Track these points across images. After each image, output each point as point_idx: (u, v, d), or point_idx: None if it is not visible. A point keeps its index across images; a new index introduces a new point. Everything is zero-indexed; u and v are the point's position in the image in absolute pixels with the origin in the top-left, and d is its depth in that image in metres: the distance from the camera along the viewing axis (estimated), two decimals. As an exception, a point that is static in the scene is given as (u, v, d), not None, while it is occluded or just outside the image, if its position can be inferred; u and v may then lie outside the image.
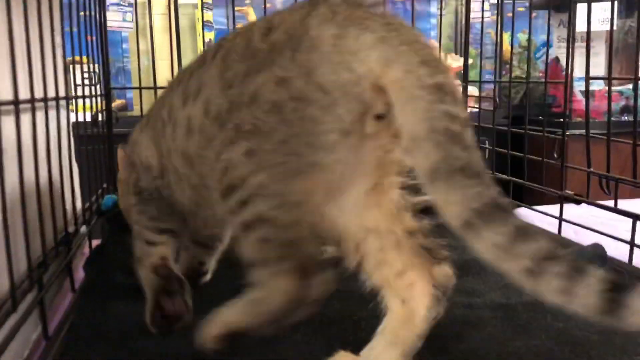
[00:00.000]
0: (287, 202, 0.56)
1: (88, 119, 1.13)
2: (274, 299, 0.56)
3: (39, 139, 0.72)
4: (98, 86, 1.20)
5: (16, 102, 0.63)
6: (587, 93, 1.00)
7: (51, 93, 0.79)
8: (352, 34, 0.54)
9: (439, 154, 0.49)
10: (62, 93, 0.85)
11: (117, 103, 2.45)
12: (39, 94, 0.73)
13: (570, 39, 1.07)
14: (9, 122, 0.63)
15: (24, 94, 0.67)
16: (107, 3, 2.45)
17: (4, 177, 0.60)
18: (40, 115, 0.74)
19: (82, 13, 1.07)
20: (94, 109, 1.14)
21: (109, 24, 2.46)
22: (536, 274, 0.47)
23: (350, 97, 0.54)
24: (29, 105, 0.69)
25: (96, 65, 1.20)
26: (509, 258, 0.47)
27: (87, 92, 1.10)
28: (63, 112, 0.88)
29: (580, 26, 1.93)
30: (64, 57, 0.93)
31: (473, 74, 2.39)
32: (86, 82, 1.11)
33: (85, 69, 1.11)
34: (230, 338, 0.58)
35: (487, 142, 1.43)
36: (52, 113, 0.81)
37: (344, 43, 0.54)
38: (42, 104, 0.75)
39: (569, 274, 0.46)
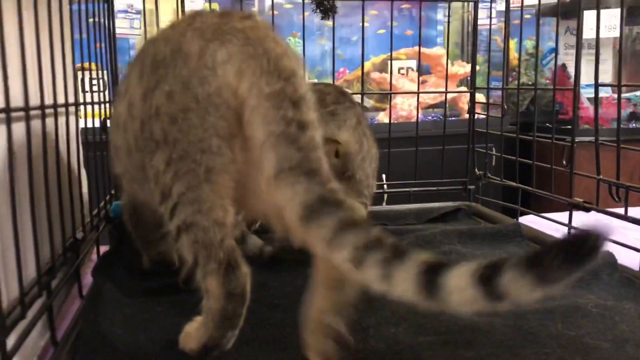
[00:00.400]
0: (203, 209, 0.62)
1: (97, 125, 1.13)
2: (212, 302, 0.63)
3: (48, 145, 0.72)
4: (106, 92, 1.21)
5: (27, 108, 0.64)
6: (596, 100, 0.99)
7: (60, 100, 0.80)
8: (210, 50, 0.60)
9: (274, 156, 0.55)
10: (71, 99, 0.86)
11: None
12: (48, 100, 0.74)
13: (578, 46, 1.07)
14: (19, 128, 0.64)
15: (34, 101, 0.67)
16: (115, 10, 2.47)
17: (14, 183, 0.60)
18: (49, 122, 0.74)
19: (90, 20, 1.07)
20: (103, 116, 1.14)
21: (116, 31, 2.49)
22: (359, 263, 0.49)
23: (216, 106, 0.60)
24: (39, 112, 0.70)
25: (104, 72, 1.20)
26: (333, 250, 0.50)
27: (95, 99, 1.10)
28: (72, 119, 0.88)
29: (587, 33, 1.93)
30: (74, 63, 0.93)
31: (480, 81, 2.38)
32: (94, 88, 1.12)
33: (94, 75, 1.11)
34: (206, 349, 0.64)
35: (493, 149, 1.43)
36: (61, 120, 0.81)
37: (204, 59, 0.60)
38: (51, 110, 0.75)
39: (388, 260, 0.47)
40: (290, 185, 0.53)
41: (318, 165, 0.55)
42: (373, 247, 0.49)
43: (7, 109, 0.58)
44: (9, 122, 0.58)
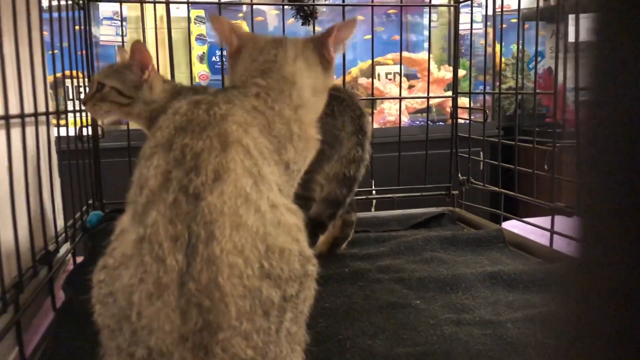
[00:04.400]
0: None
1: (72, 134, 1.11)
2: None
3: (15, 154, 0.70)
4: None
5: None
6: (577, 104, 0.98)
7: (28, 109, 0.78)
8: None
9: None
10: (42, 109, 0.84)
11: (109, 117, 2.44)
12: (14, 110, 0.72)
13: (562, 49, 1.06)
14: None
15: (-3, 110, 0.66)
16: (100, 17, 2.45)
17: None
18: (16, 131, 0.72)
19: (77, 27, 1.06)
20: (79, 124, 1.12)
21: (102, 38, 2.46)
22: None
23: None
24: (2, 122, 0.68)
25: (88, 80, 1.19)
26: None
27: (76, 107, 1.09)
28: (44, 128, 0.86)
29: (572, 37, 1.93)
30: (45, 72, 0.92)
31: (465, 86, 2.38)
32: (79, 95, 1.10)
33: (77, 83, 1.10)
34: None
35: (481, 153, 1.42)
36: (31, 129, 0.79)
37: None
38: (18, 120, 0.73)
39: None
40: None
41: None
42: None
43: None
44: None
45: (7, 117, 0.68)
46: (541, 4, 1.13)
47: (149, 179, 0.52)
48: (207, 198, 0.50)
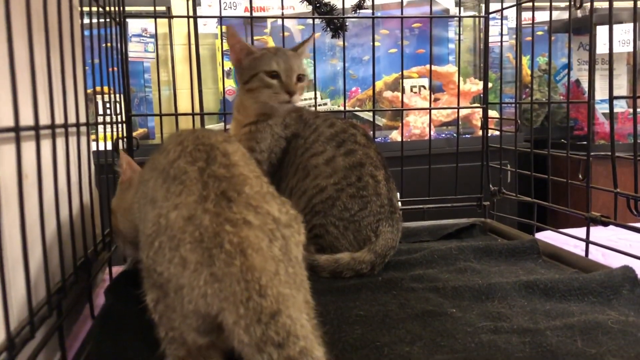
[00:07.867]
0: None
1: (109, 148, 1.13)
2: None
3: (59, 164, 0.72)
4: (120, 115, 1.22)
5: (37, 127, 0.64)
6: (611, 111, 0.98)
7: (71, 120, 0.80)
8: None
9: None
10: (82, 120, 0.86)
11: (139, 132, 2.49)
12: (59, 120, 0.74)
13: (592, 60, 1.06)
14: (29, 147, 0.64)
15: (44, 120, 0.67)
16: (129, 34, 2.51)
17: (23, 202, 0.60)
18: (60, 141, 0.74)
19: (104, 45, 1.08)
20: (115, 137, 1.15)
21: (131, 54, 2.52)
22: None
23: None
24: (49, 131, 0.70)
25: (118, 95, 1.21)
26: None
27: (108, 120, 1.11)
28: (84, 139, 0.88)
29: (600, 48, 1.92)
30: (85, 85, 0.94)
31: (493, 97, 2.38)
32: (108, 111, 1.13)
33: (107, 98, 1.12)
34: None
35: (508, 165, 1.42)
36: (72, 139, 0.81)
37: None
38: (62, 130, 0.75)
39: None
40: None
41: None
42: None
43: (17, 128, 0.58)
44: (18, 141, 0.58)
45: (53, 127, 0.70)
46: (565, 15, 1.13)
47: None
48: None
